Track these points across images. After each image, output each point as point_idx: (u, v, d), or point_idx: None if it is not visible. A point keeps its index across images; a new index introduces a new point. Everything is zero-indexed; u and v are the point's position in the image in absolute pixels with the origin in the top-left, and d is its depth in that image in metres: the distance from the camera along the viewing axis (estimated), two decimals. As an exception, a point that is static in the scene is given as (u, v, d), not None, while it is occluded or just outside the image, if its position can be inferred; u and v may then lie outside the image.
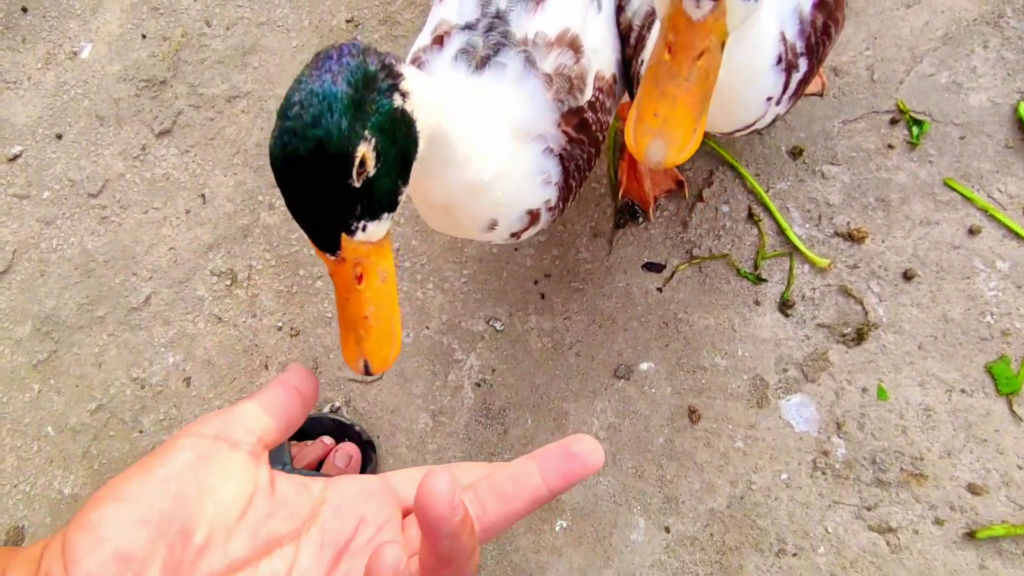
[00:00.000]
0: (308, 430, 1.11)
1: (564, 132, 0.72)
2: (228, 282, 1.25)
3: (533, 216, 0.74)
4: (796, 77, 0.76)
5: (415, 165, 0.54)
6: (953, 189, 1.03)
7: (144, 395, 1.20)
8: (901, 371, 0.98)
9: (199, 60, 1.41)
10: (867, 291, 1.02)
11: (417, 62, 0.76)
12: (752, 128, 0.80)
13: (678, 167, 1.10)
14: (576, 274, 1.10)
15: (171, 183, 1.34)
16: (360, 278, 0.49)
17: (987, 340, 0.97)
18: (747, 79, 0.71)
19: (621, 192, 1.10)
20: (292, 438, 1.10)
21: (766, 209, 1.07)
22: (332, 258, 0.49)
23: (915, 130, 1.07)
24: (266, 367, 1.18)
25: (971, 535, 0.89)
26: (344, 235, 0.48)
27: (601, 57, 0.78)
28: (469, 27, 0.73)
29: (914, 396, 0.96)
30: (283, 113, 0.45)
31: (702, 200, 1.10)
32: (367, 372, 0.50)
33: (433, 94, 0.54)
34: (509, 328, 1.10)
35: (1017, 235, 0.99)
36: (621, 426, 1.02)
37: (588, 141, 0.76)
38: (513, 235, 0.75)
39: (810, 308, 1.02)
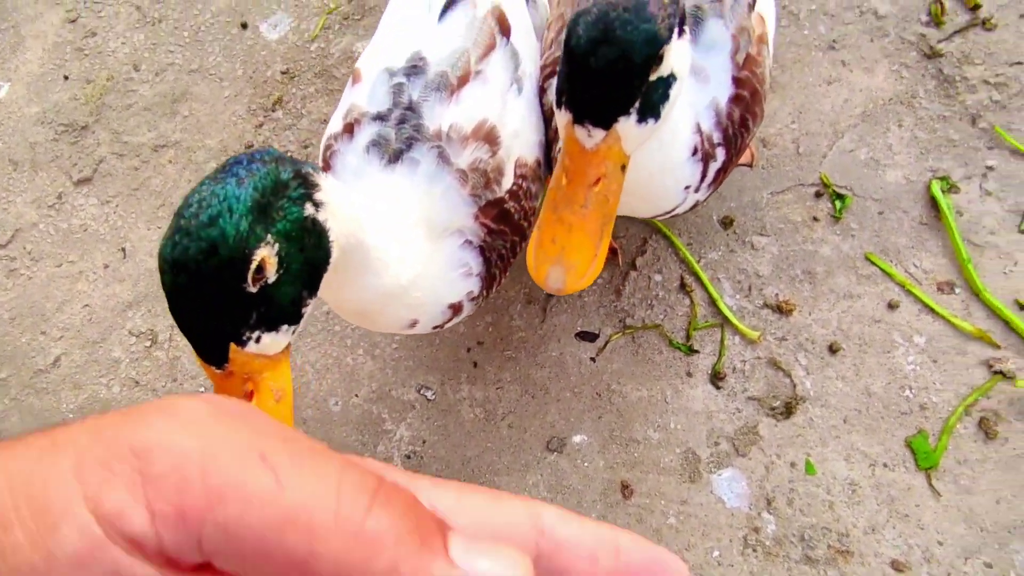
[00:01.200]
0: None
1: (483, 224, 0.66)
2: (147, 343, 1.14)
3: (455, 309, 0.67)
4: (714, 167, 0.71)
5: (327, 274, 0.48)
6: (873, 263, 1.03)
7: (47, 467, 1.07)
8: (828, 445, 0.95)
9: (125, 106, 1.31)
10: (795, 364, 1.00)
11: (329, 150, 0.68)
12: (672, 213, 0.75)
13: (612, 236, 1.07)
14: (509, 342, 1.05)
15: (89, 235, 1.22)
16: (250, 395, 0.43)
17: (907, 414, 0.96)
18: (663, 170, 0.66)
19: None
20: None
21: (698, 279, 1.05)
22: (218, 372, 0.42)
23: (838, 204, 1.07)
24: (184, 436, 1.07)
25: (895, 614, 0.87)
26: (233, 345, 0.42)
27: (522, 141, 0.71)
28: (381, 117, 0.66)
29: (840, 471, 0.94)
30: (179, 213, 0.40)
31: (635, 269, 1.06)
32: None
33: (350, 206, 0.48)
34: (441, 397, 1.04)
35: (932, 310, 0.99)
36: (554, 502, 0.97)
37: (510, 230, 0.70)
38: (436, 327, 0.69)
39: (741, 380, 1.00)
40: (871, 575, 0.88)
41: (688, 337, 1.01)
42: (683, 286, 1.03)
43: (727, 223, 1.06)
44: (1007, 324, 0.95)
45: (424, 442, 1.00)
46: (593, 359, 1.01)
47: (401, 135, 0.65)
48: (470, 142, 0.66)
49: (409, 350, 1.05)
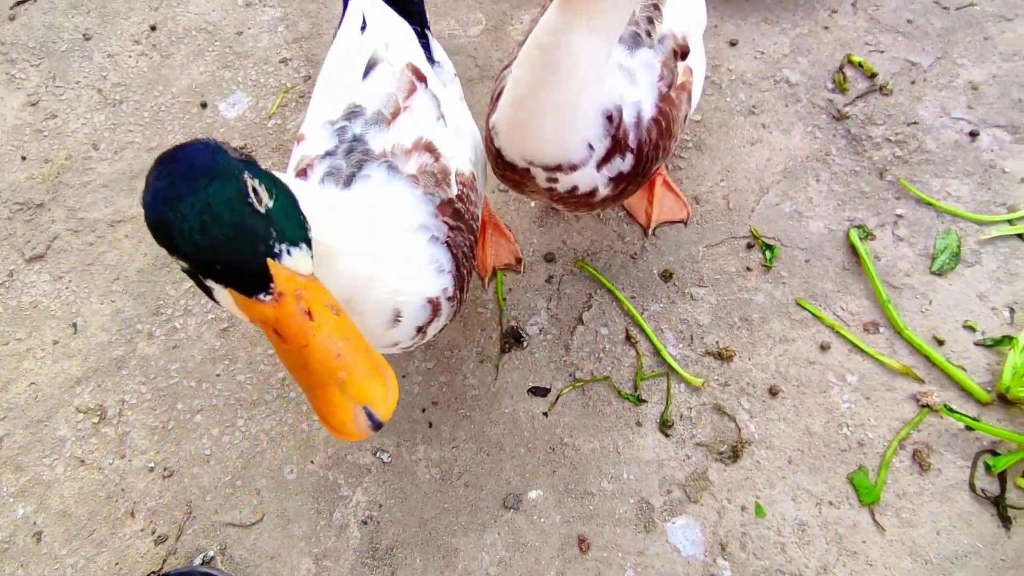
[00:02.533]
0: (175, 587, 0.96)
1: (443, 222, 0.72)
2: (95, 419, 1.10)
3: (434, 305, 0.70)
4: (619, 163, 0.75)
5: (317, 260, 0.51)
6: (804, 308, 1.08)
7: (-17, 557, 1.01)
8: (775, 486, 0.97)
9: (82, 183, 1.31)
10: (739, 408, 1.02)
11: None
12: (574, 184, 0.75)
13: (519, 256, 1.10)
14: (463, 400, 1.05)
15: (39, 312, 1.20)
16: (310, 314, 0.43)
17: (846, 451, 0.98)
18: (567, 116, 0.69)
19: None
20: (156, 598, 0.95)
21: (642, 331, 1.08)
22: (269, 299, 0.43)
23: (768, 254, 1.12)
24: (132, 514, 1.02)
25: (852, 655, 0.86)
26: (271, 261, 0.43)
27: (457, 161, 0.80)
28: (329, 154, 0.73)
29: (789, 511, 0.95)
30: (156, 178, 0.42)
31: (582, 323, 1.09)
32: (373, 423, 0.42)
33: (303, 197, 0.52)
34: (396, 459, 1.02)
35: (861, 350, 1.04)
36: (512, 560, 0.95)
37: (465, 229, 0.76)
38: (419, 330, 0.70)
39: (688, 427, 1.01)
40: (826, 616, 0.87)
41: (636, 387, 1.02)
42: (628, 338, 1.06)
43: (667, 276, 1.10)
44: (928, 359, 0.99)
45: (380, 506, 0.98)
46: (546, 414, 1.02)
47: (351, 161, 0.71)
48: (413, 153, 0.73)
49: (364, 413, 1.04)
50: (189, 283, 1.19)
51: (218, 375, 1.10)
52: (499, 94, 0.79)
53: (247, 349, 1.11)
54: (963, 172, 1.15)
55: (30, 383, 1.12)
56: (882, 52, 1.27)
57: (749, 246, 1.13)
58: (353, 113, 0.75)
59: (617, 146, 0.74)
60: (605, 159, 0.74)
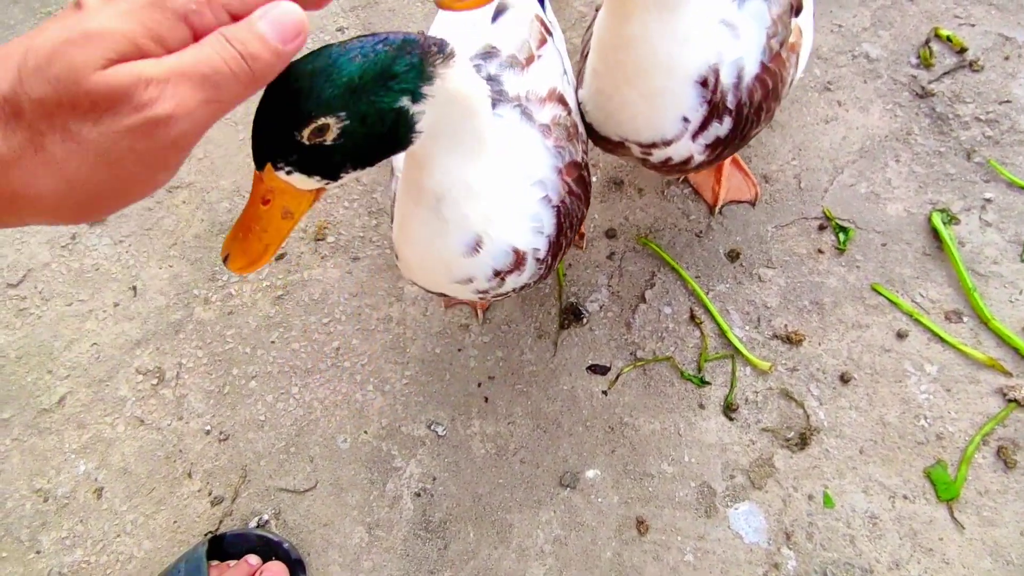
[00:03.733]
0: (231, 549, 0.97)
1: (564, 182, 0.70)
2: (154, 381, 1.13)
3: (519, 257, 0.67)
4: (716, 128, 0.72)
5: (412, 154, 0.53)
6: (880, 294, 1.03)
7: (46, 509, 1.04)
8: (845, 477, 0.94)
9: (141, 149, 1.34)
10: (807, 394, 0.99)
11: None
12: (668, 156, 0.74)
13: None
14: (521, 376, 1.04)
15: (100, 274, 1.23)
16: (267, 203, 0.50)
17: (923, 444, 0.94)
18: (663, 89, 0.67)
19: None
20: (212, 558, 0.97)
21: (707, 311, 1.05)
22: (256, 171, 0.49)
23: (841, 236, 1.08)
24: (189, 475, 1.04)
25: (926, 654, 0.83)
26: (269, 165, 0.47)
27: (580, 124, 0.78)
28: None
29: (859, 503, 0.92)
30: (310, 55, 0.45)
31: (645, 302, 1.07)
32: (225, 263, 0.52)
33: (478, 88, 0.53)
34: (451, 433, 1.02)
35: (942, 339, 0.99)
36: (568, 539, 0.94)
37: (583, 197, 0.74)
38: (497, 274, 0.67)
39: (754, 412, 0.99)
40: (898, 613, 0.84)
41: (699, 369, 1.00)
42: (692, 318, 1.03)
43: (733, 256, 1.07)
44: (1017, 352, 0.94)
45: (435, 479, 0.98)
46: (605, 392, 1.00)
47: None
48: (547, 102, 0.72)
49: (419, 385, 1.04)
50: (245, 250, 1.21)
51: (272, 342, 1.12)
52: (586, 53, 0.77)
53: (302, 317, 1.12)
54: (1059, 154, 1.08)
55: (92, 343, 1.15)
56: (973, 26, 1.20)
57: (821, 227, 1.09)
58: (488, 54, 0.74)
59: (714, 111, 0.71)
60: (701, 128, 0.72)
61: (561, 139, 0.71)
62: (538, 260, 0.70)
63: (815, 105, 1.18)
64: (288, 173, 0.48)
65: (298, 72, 0.44)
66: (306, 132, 0.45)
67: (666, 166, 0.77)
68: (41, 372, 1.14)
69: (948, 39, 1.18)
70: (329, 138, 0.46)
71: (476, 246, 0.63)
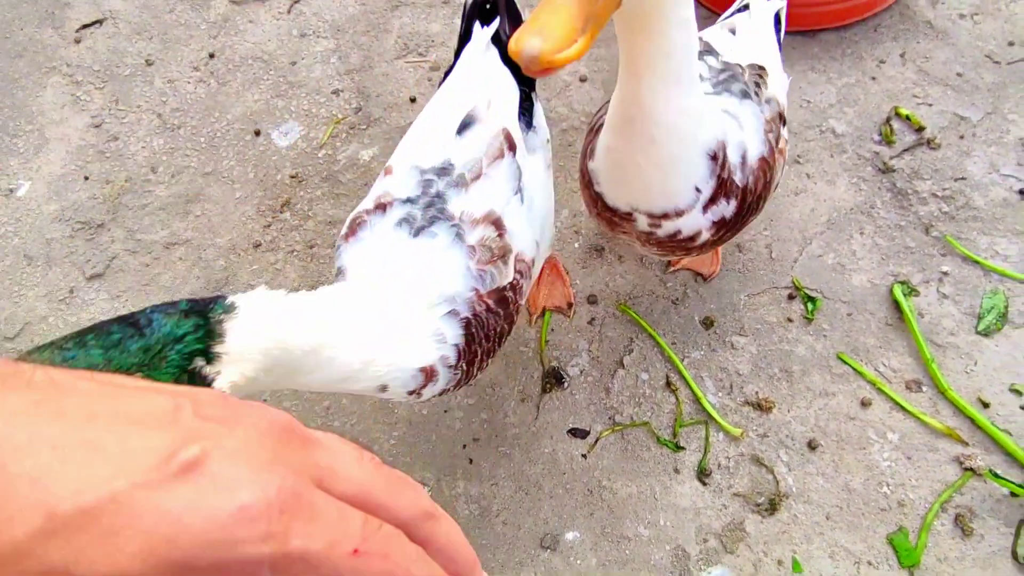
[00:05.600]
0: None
1: (483, 301, 0.73)
2: (146, 437, 1.14)
3: (427, 373, 0.69)
4: (723, 206, 0.76)
5: (253, 383, 0.53)
6: (845, 363, 1.08)
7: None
8: (812, 542, 0.97)
9: (140, 205, 1.36)
10: (777, 460, 1.02)
11: (358, 220, 0.77)
12: (678, 228, 0.77)
13: (571, 301, 1.12)
14: (504, 438, 1.07)
15: (96, 329, 1.25)
16: None
17: (886, 511, 0.98)
18: (676, 159, 0.71)
19: None
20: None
21: (682, 378, 1.09)
22: None
23: (809, 306, 1.13)
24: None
25: None
26: None
27: (522, 240, 0.80)
28: (411, 200, 0.76)
29: (826, 569, 0.95)
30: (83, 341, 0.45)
31: (623, 367, 1.10)
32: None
33: (273, 329, 0.52)
34: (437, 493, 1.04)
35: (903, 408, 1.03)
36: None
37: (503, 315, 0.76)
38: (411, 393, 0.70)
39: (726, 476, 1.02)
40: None
41: (675, 434, 1.03)
42: (668, 384, 1.07)
43: (708, 323, 1.11)
44: (972, 422, 0.99)
45: (419, 540, 1.00)
46: (584, 455, 1.03)
47: (426, 215, 0.74)
48: (479, 224, 0.75)
49: (407, 446, 1.07)
50: (239, 307, 1.23)
51: (265, 399, 1.14)
52: (596, 128, 0.81)
53: (293, 376, 1.15)
54: (1012, 231, 1.14)
55: (86, 399, 1.16)
56: (930, 105, 1.27)
57: (791, 297, 1.13)
58: (444, 170, 0.77)
59: (722, 186, 0.75)
60: (711, 200, 0.75)
61: (485, 260, 0.74)
62: (450, 367, 0.71)
63: (786, 177, 1.24)
64: None
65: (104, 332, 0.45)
66: None
67: (673, 240, 0.79)
68: (35, 427, 1.15)
69: (907, 118, 1.25)
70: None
71: (382, 389, 0.67)
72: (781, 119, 0.87)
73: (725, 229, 0.80)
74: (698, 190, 0.75)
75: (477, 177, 0.77)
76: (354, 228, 0.77)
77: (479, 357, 0.76)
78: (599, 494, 1.01)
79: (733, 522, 0.98)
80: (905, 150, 1.23)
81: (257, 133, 1.40)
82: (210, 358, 0.49)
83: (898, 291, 1.09)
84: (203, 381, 0.49)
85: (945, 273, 1.12)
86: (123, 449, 0.21)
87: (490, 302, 0.74)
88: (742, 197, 0.78)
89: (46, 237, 1.33)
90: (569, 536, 0.99)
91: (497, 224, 0.77)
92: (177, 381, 0.47)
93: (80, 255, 1.30)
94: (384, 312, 0.68)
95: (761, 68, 0.88)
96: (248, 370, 0.51)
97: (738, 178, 0.78)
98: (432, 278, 0.72)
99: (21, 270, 1.30)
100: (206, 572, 0.20)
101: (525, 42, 0.50)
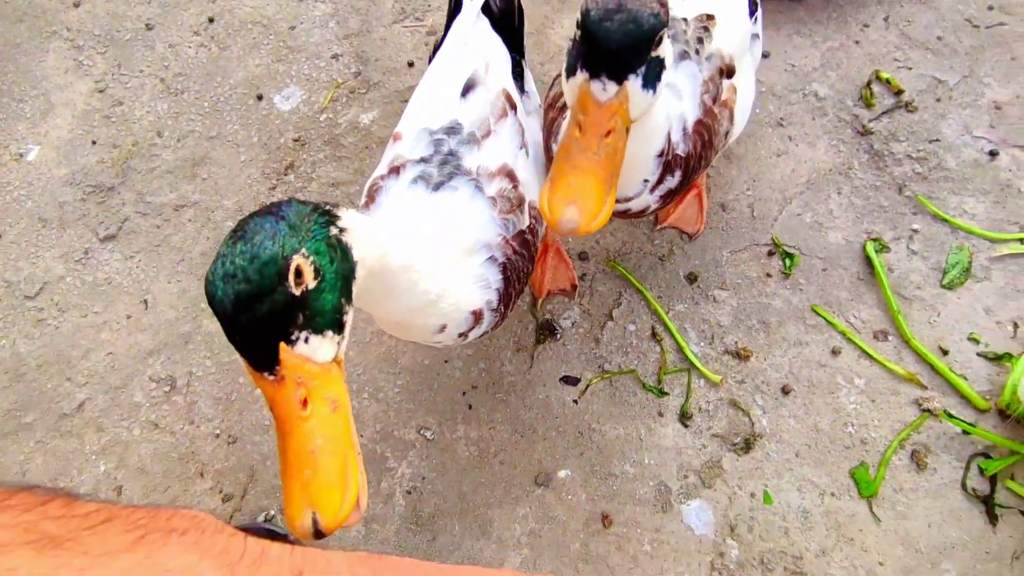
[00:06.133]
0: (241, 541, 1.07)
1: (510, 245, 0.78)
2: (167, 388, 1.21)
3: (477, 315, 0.76)
4: (669, 181, 0.83)
5: (362, 293, 0.53)
6: (819, 315, 1.15)
7: (71, 506, 1.13)
8: (783, 477, 1.05)
9: (148, 169, 1.40)
10: (753, 404, 1.10)
11: (375, 187, 0.81)
12: (628, 207, 0.85)
13: (578, 277, 1.18)
14: (501, 386, 1.14)
15: (113, 288, 1.30)
16: (304, 403, 0.44)
17: (850, 448, 1.06)
18: (635, 162, 0.77)
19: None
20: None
21: (667, 329, 1.16)
22: (271, 378, 0.44)
23: (788, 262, 1.19)
24: (201, 475, 1.14)
25: (844, 628, 0.96)
26: (283, 345, 0.44)
27: (531, 191, 0.86)
28: (424, 160, 0.80)
29: (794, 500, 1.04)
30: (224, 244, 0.46)
31: (612, 320, 1.17)
32: (316, 530, 0.40)
33: (374, 234, 0.55)
34: (439, 437, 1.12)
35: (870, 356, 1.11)
36: (541, 532, 1.05)
37: (526, 256, 0.83)
38: (461, 335, 0.76)
39: (706, 419, 1.10)
40: (822, 594, 0.97)
41: (659, 381, 1.11)
42: (654, 335, 1.14)
43: (692, 279, 1.18)
44: (932, 368, 1.06)
45: (424, 478, 1.08)
46: (576, 401, 1.11)
47: (443, 172, 0.78)
48: (496, 177, 0.80)
49: (410, 393, 1.14)
50: (249, 267, 1.29)
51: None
52: (559, 106, 0.85)
53: (302, 330, 1.21)
54: (980, 190, 1.20)
55: (107, 352, 1.23)
56: (910, 69, 1.31)
57: (770, 253, 1.20)
58: (452, 129, 0.81)
59: (667, 167, 0.81)
60: (658, 183, 0.81)
61: (505, 210, 0.79)
62: (493, 311, 0.78)
63: (769, 140, 1.29)
64: (306, 341, 0.45)
65: (244, 248, 0.45)
66: (291, 279, 0.45)
67: (626, 215, 0.87)
68: (60, 379, 1.22)
69: (887, 81, 1.29)
70: (309, 279, 0.46)
71: (441, 329, 0.72)
72: (724, 72, 0.88)
73: (672, 195, 0.86)
74: (646, 181, 0.82)
75: (487, 135, 0.82)
76: (372, 195, 0.81)
77: (512, 298, 0.82)
78: (589, 436, 1.09)
79: (711, 460, 1.06)
80: (884, 113, 1.28)
81: (259, 97, 1.43)
82: (341, 230, 0.51)
83: (870, 248, 1.16)
84: (343, 247, 0.50)
85: (915, 231, 1.18)
86: None
87: (515, 244, 0.80)
88: (685, 165, 0.84)
89: (58, 200, 1.37)
90: (561, 474, 1.07)
91: (511, 176, 0.82)
92: (329, 247, 0.49)
93: (93, 217, 1.35)
94: (442, 256, 0.72)
95: (709, 18, 0.88)
96: (368, 255, 0.53)
97: (681, 150, 0.83)
98: (463, 227, 0.76)
99: (37, 232, 1.35)
100: None
101: (561, 214, 0.55)
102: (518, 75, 0.92)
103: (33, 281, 1.30)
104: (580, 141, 0.60)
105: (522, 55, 0.96)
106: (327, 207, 0.52)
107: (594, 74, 0.59)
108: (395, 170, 0.80)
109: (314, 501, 0.42)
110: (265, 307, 0.43)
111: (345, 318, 0.51)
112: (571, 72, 0.62)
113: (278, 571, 0.31)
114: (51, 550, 0.26)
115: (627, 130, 0.63)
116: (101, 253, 1.32)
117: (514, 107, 0.86)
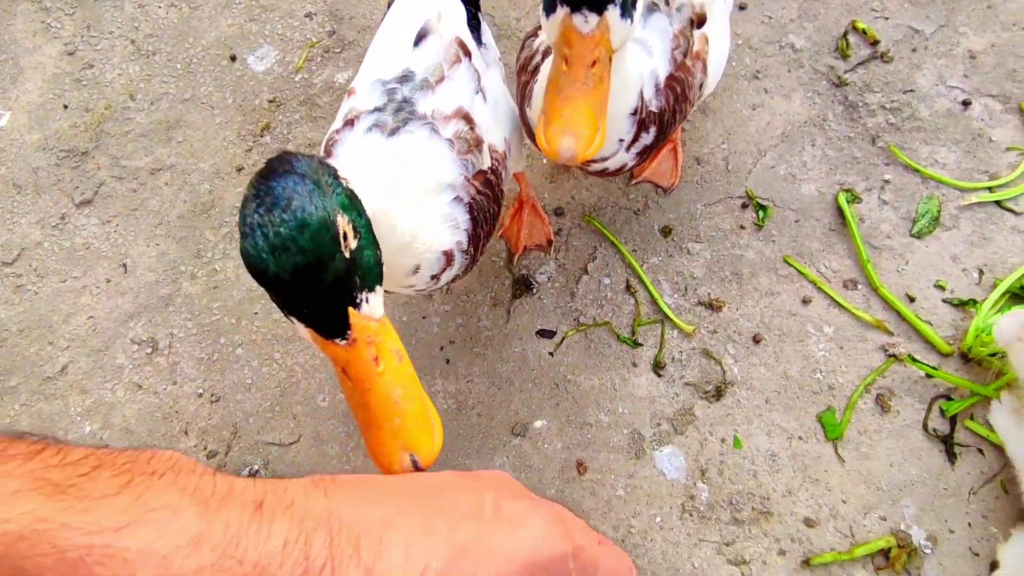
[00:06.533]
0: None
1: (472, 185, 0.79)
2: (149, 350, 1.22)
3: (448, 256, 0.77)
4: (644, 138, 0.83)
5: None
6: (790, 265, 1.16)
7: (59, 465, 1.15)
8: (752, 423, 1.08)
9: (122, 132, 1.39)
10: (725, 353, 1.12)
11: (331, 142, 0.80)
12: (605, 166, 0.86)
13: (553, 233, 1.19)
14: (478, 340, 1.16)
15: (91, 252, 1.30)
16: (376, 360, 0.45)
17: (818, 393, 1.09)
18: (608, 123, 0.75)
19: (501, 232, 1.17)
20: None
21: (641, 282, 1.17)
22: (343, 344, 0.44)
23: (761, 214, 1.20)
24: (186, 433, 1.15)
25: (807, 563, 0.99)
26: (351, 310, 0.45)
27: (491, 135, 0.85)
28: (378, 109, 0.79)
29: (763, 444, 1.07)
30: (250, 216, 0.43)
31: (587, 273, 1.18)
32: (415, 467, 0.44)
33: (355, 182, 0.54)
34: (418, 391, 1.14)
35: (839, 304, 1.13)
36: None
37: (491, 197, 0.83)
38: (433, 277, 0.77)
39: (679, 369, 1.12)
40: (787, 532, 1.00)
41: (633, 332, 1.12)
42: (628, 288, 1.15)
43: (666, 232, 1.19)
44: (899, 315, 1.08)
45: (403, 431, 1.10)
46: (551, 354, 1.12)
47: (398, 118, 0.78)
48: (452, 120, 0.80)
49: (389, 350, 1.15)
50: (226, 229, 1.29)
51: (255, 313, 1.21)
52: (531, 68, 0.85)
53: (282, 290, 1.22)
54: (952, 140, 1.20)
55: (88, 316, 1.23)
56: (887, 19, 1.30)
57: (744, 206, 1.20)
58: (405, 78, 0.81)
59: (642, 124, 0.81)
60: (633, 140, 0.81)
61: (463, 151, 0.79)
62: (463, 252, 0.79)
63: (744, 92, 1.28)
64: (367, 301, 0.46)
65: (287, 218, 0.43)
66: (342, 243, 0.44)
67: (604, 174, 0.87)
68: (42, 344, 1.23)
69: (864, 31, 1.28)
70: (352, 238, 0.47)
71: (415, 271, 0.73)
72: (695, 22, 0.88)
73: (648, 151, 0.86)
74: (621, 140, 0.81)
75: (440, 80, 0.81)
76: (329, 149, 0.81)
77: (481, 240, 0.82)
78: (564, 387, 1.11)
79: (683, 408, 1.09)
80: (859, 64, 1.27)
81: (233, 58, 1.40)
82: (345, 179, 0.51)
83: (842, 198, 1.16)
84: (357, 196, 0.51)
85: (887, 181, 1.19)
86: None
87: (478, 184, 0.80)
88: (660, 121, 0.83)
89: (32, 166, 1.36)
90: (537, 424, 1.10)
91: (467, 119, 0.81)
92: (350, 199, 0.49)
93: (68, 182, 1.34)
94: (412, 199, 0.72)
95: None
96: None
97: (654, 106, 0.82)
98: (422, 168, 0.76)
99: (12, 198, 1.34)
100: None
101: (559, 143, 0.56)
102: (474, 27, 0.91)
103: (10, 247, 1.30)
104: (568, 74, 0.61)
105: (478, 7, 0.95)
106: (324, 159, 0.52)
107: (575, 8, 0.60)
108: (350, 122, 0.80)
109: (408, 444, 0.45)
110: (329, 276, 0.43)
111: (382, 267, 0.52)
112: (551, 9, 0.63)
113: (243, 502, 0.34)
114: (56, 496, 0.29)
115: (610, 59, 0.63)
116: (78, 218, 1.31)
117: (468, 54, 0.85)
